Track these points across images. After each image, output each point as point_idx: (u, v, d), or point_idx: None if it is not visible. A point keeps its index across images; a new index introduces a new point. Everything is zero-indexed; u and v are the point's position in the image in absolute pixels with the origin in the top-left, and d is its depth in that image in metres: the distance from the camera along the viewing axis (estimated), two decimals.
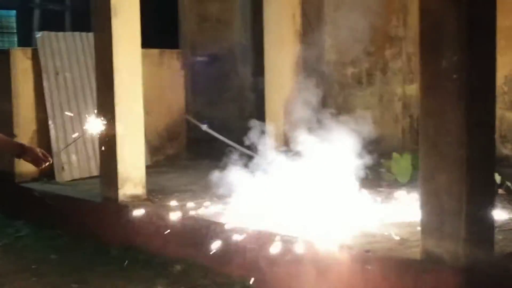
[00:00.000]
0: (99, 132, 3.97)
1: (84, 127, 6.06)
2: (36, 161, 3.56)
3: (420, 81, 3.93)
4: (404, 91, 7.23)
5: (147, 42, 6.32)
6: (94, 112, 7.30)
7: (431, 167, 3.84)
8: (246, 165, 6.37)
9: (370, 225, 4.90)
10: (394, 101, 7.29)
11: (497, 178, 5.43)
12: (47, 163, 3.60)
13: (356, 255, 4.29)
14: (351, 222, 4.95)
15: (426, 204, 3.90)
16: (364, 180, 6.22)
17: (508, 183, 5.78)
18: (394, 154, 6.48)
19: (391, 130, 7.30)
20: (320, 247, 4.46)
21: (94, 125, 4.14)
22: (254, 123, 6.37)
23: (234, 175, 6.56)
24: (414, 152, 6.38)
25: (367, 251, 4.27)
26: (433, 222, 3.85)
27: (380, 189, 6.19)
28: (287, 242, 4.63)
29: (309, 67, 7.48)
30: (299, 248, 4.53)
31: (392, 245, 4.41)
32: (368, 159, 6.68)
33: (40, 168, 3.61)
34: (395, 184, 6.32)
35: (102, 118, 6.01)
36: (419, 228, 4.08)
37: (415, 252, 4.06)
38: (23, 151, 3.54)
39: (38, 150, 3.58)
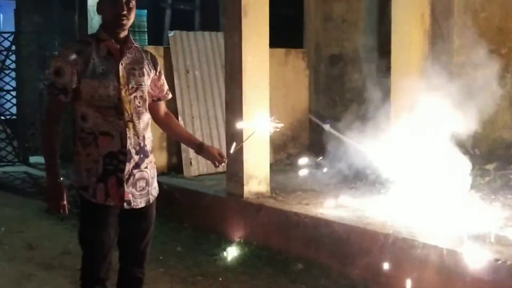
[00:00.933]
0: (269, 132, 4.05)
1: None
2: (212, 160, 3.64)
3: None
4: None
5: (272, 41, 6.39)
6: (222, 110, 7.52)
7: None
8: (366, 166, 6.34)
9: (499, 232, 4.74)
10: None
11: None
12: (223, 164, 3.68)
13: (485, 263, 4.16)
14: (480, 229, 4.81)
15: None
16: (494, 186, 6.05)
17: None
18: None
19: None
20: (446, 254, 4.36)
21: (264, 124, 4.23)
22: (377, 124, 6.32)
23: (355, 175, 6.55)
24: None
25: (497, 260, 4.13)
26: None
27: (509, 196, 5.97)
28: (410, 246, 4.57)
29: (437, 69, 7.31)
30: (423, 253, 4.46)
31: None
32: (499, 164, 6.51)
33: (216, 167, 3.70)
34: None
35: (229, 116, 6.18)
36: None
37: None
38: (202, 149, 3.64)
39: (215, 150, 3.66)
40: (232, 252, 5.74)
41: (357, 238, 4.95)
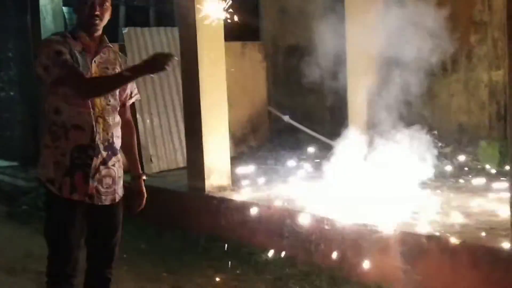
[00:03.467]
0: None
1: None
2: (132, 200, 3.61)
3: (508, 66, 3.84)
4: (490, 77, 7.04)
5: (228, 35, 6.39)
6: (180, 105, 7.50)
7: None
8: (327, 155, 6.40)
9: (457, 215, 4.83)
10: (480, 88, 7.10)
11: None
12: (137, 210, 3.65)
13: (445, 244, 4.24)
14: (437, 211, 4.90)
15: None
16: (451, 168, 6.16)
17: None
18: (482, 142, 6.35)
19: (477, 118, 7.13)
20: (408, 237, 4.44)
21: None
22: (335, 113, 6.39)
23: (315, 165, 6.62)
24: (502, 140, 6.26)
25: (457, 241, 4.21)
26: None
27: (467, 177, 6.08)
28: (374, 231, 4.63)
29: (390, 55, 7.40)
30: (386, 238, 4.53)
31: (480, 234, 4.34)
32: (454, 147, 6.63)
33: (131, 211, 3.64)
34: (482, 172, 6.19)
35: (188, 111, 6.18)
36: (507, 217, 4.01)
37: (505, 241, 4.00)
38: (134, 181, 3.62)
39: (141, 195, 3.63)
40: (196, 247, 5.75)
41: (320, 226, 4.99)
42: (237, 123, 8.11)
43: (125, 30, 7.80)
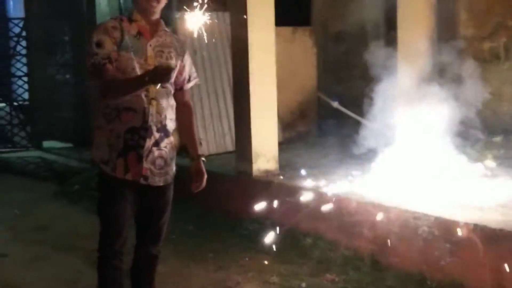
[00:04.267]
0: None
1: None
2: (193, 179, 3.71)
3: None
4: None
5: (279, 19, 6.41)
6: (230, 89, 7.55)
7: None
8: (375, 142, 6.36)
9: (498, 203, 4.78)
10: None
11: None
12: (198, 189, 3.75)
13: (489, 234, 4.20)
14: (488, 201, 4.84)
15: None
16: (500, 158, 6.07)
17: None
18: None
19: None
20: (450, 225, 4.41)
21: None
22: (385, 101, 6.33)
23: (364, 152, 6.59)
24: None
25: (500, 229, 4.17)
26: None
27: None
28: (416, 219, 4.61)
29: (444, 42, 7.30)
30: (429, 226, 4.51)
31: None
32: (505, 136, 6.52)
33: (192, 189, 3.74)
34: None
35: (237, 95, 6.23)
36: None
37: None
38: (193, 162, 3.70)
39: (201, 174, 3.69)
40: (241, 230, 5.82)
41: (363, 213, 5.00)
42: (285, 108, 8.12)
43: (178, 15, 7.87)
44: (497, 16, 7.14)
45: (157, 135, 3.46)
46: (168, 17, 9.77)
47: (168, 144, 3.53)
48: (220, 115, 7.90)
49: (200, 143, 7.56)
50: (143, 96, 3.39)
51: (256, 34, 6.10)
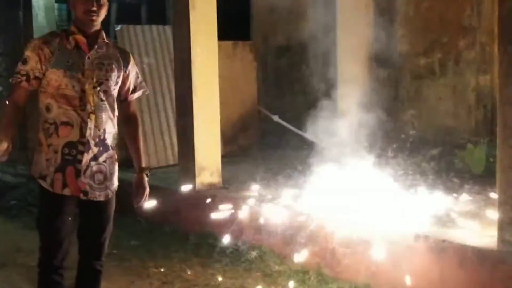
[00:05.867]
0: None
1: None
2: (134, 192, 3.69)
3: (498, 70, 3.90)
4: (478, 81, 7.14)
5: (219, 33, 6.43)
6: (171, 103, 7.52)
7: (509, 157, 3.83)
8: (316, 156, 6.44)
9: (444, 215, 4.91)
10: (468, 92, 7.20)
11: None
12: (138, 204, 3.74)
13: (432, 244, 4.31)
14: (424, 212, 4.97)
15: (504, 194, 3.89)
16: (438, 170, 6.23)
17: None
18: (469, 145, 6.44)
19: (464, 121, 7.23)
20: (396, 236, 4.51)
21: None
22: (324, 114, 6.42)
23: (305, 165, 6.65)
24: (488, 143, 6.35)
25: (443, 240, 4.29)
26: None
27: (454, 180, 6.16)
28: (362, 230, 4.70)
29: (381, 58, 7.49)
30: (374, 237, 4.60)
31: (466, 235, 4.40)
32: (441, 150, 6.69)
33: (133, 203, 3.73)
34: (468, 175, 6.27)
35: (180, 108, 6.22)
36: (494, 218, 4.09)
37: (491, 242, 4.07)
38: (137, 174, 3.69)
39: (142, 188, 3.68)
40: (187, 244, 5.79)
41: (308, 225, 5.04)
42: (227, 122, 8.12)
43: (118, 28, 7.83)
44: (432, 33, 7.38)
45: (95, 149, 3.43)
46: (107, 29, 9.72)
47: (108, 158, 3.50)
48: (161, 128, 7.87)
49: None
50: (79, 110, 3.37)
51: (199, 49, 6.12)
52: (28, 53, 3.39)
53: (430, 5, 7.40)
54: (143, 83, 3.77)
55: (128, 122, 3.69)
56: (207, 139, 6.21)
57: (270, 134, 8.62)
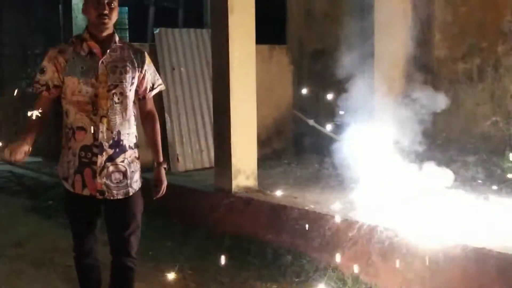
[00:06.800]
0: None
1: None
2: (153, 186, 3.83)
3: None
4: None
5: (256, 37, 6.45)
6: (208, 106, 7.55)
7: None
8: (351, 159, 6.42)
9: (483, 223, 4.86)
10: (506, 98, 7.12)
11: None
12: (158, 195, 3.85)
13: (471, 252, 4.27)
14: (463, 220, 4.92)
15: None
16: (476, 178, 6.17)
17: None
18: (507, 153, 6.37)
19: (502, 127, 7.14)
20: (432, 243, 4.47)
21: None
22: (361, 118, 6.40)
23: (340, 169, 6.63)
24: None
25: (483, 248, 4.24)
26: None
27: (493, 187, 6.09)
28: (399, 236, 4.66)
29: (418, 63, 7.44)
30: (411, 244, 4.56)
31: (507, 242, 4.34)
32: (479, 157, 6.62)
33: (153, 196, 3.84)
34: (508, 181, 6.19)
35: (217, 111, 6.24)
36: None
37: None
38: (155, 168, 3.81)
39: (161, 181, 3.80)
40: (222, 246, 5.80)
41: (345, 230, 5.03)
42: (261, 125, 8.14)
43: (157, 31, 7.90)
44: (470, 38, 7.30)
45: (110, 151, 3.56)
46: (145, 32, 9.82)
47: (126, 158, 3.62)
48: (197, 131, 7.91)
49: (177, 159, 7.59)
50: (91, 115, 3.51)
51: (237, 52, 6.14)
52: (45, 63, 3.55)
53: (468, 10, 7.33)
54: (160, 80, 3.87)
55: (146, 119, 3.81)
56: (244, 142, 6.22)
57: (304, 138, 8.61)
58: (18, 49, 10.98)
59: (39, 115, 3.50)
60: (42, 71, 3.55)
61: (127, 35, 9.68)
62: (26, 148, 3.42)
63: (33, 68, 10.98)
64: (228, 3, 6.03)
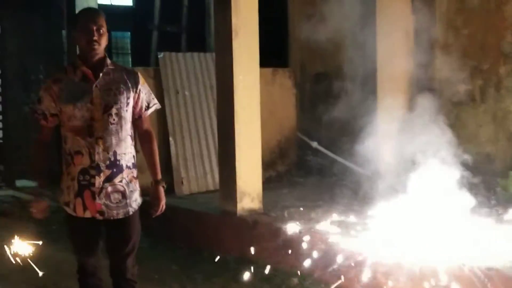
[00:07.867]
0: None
1: None
2: (151, 204, 3.88)
3: None
4: None
5: (259, 61, 6.50)
6: (212, 130, 7.58)
7: None
8: (356, 183, 6.43)
9: (489, 244, 4.86)
10: (508, 119, 7.15)
11: None
12: (157, 213, 3.89)
13: (477, 273, 4.27)
14: (468, 242, 4.92)
15: None
16: (480, 199, 6.18)
17: None
18: (510, 173, 6.38)
19: (504, 148, 7.16)
20: (439, 266, 4.47)
21: None
22: (364, 142, 6.42)
23: (345, 193, 6.65)
24: None
25: (489, 269, 4.25)
26: None
27: (497, 208, 6.10)
28: (403, 260, 4.68)
29: (420, 85, 7.47)
30: (415, 266, 4.57)
31: None
32: (482, 178, 6.63)
33: (150, 214, 3.89)
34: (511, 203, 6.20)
35: (222, 134, 6.27)
36: None
37: None
38: (153, 186, 3.87)
39: (159, 200, 3.85)
40: (227, 269, 5.80)
41: (352, 255, 5.03)
42: (265, 148, 8.15)
43: (161, 55, 7.96)
44: (472, 60, 7.35)
45: (107, 172, 3.63)
46: (148, 56, 9.88)
47: (124, 178, 3.69)
48: (202, 154, 7.93)
49: (182, 182, 7.60)
50: (87, 137, 3.59)
51: (242, 75, 6.19)
52: (41, 93, 3.66)
53: (470, 32, 7.39)
54: (155, 99, 3.92)
55: (143, 138, 3.88)
56: (249, 164, 6.24)
57: (308, 161, 8.63)
58: (21, 74, 11.03)
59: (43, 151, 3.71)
60: (39, 101, 3.67)
61: (130, 59, 9.78)
62: (45, 204, 3.67)
63: (36, 92, 11.02)
64: (233, 27, 6.09)
